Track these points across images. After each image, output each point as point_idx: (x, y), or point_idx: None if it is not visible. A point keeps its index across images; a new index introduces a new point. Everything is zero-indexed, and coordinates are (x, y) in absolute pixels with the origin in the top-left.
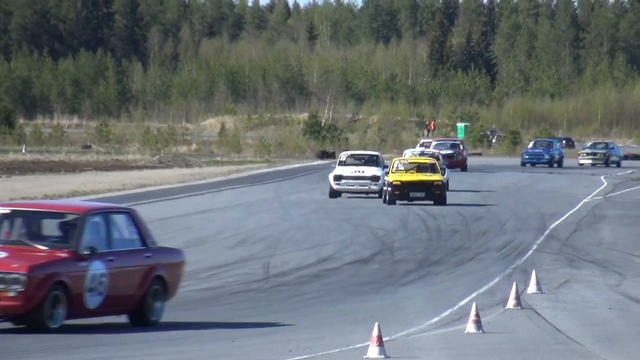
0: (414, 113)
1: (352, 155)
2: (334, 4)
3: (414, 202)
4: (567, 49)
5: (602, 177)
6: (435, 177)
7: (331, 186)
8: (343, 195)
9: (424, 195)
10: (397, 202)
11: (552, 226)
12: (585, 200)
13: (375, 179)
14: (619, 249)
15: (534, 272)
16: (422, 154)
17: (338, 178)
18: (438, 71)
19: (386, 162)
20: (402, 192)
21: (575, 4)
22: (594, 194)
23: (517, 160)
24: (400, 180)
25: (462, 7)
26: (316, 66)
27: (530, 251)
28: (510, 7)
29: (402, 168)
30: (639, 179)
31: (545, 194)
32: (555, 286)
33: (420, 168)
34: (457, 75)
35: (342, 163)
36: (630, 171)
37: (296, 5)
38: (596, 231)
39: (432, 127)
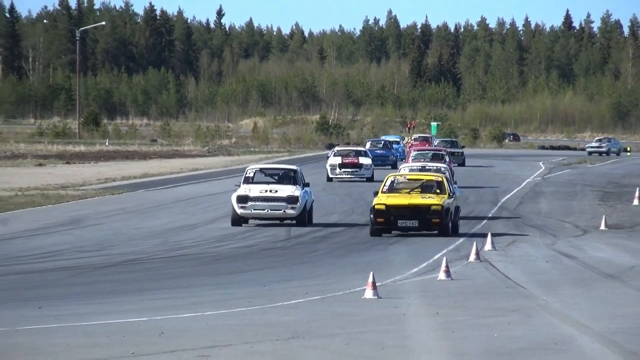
0: (399, 115)
1: (262, 170)
2: (339, 32)
3: (408, 233)
4: (514, 66)
5: (540, 163)
6: (434, 199)
7: (234, 210)
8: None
9: (417, 224)
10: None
11: (503, 200)
12: (528, 180)
13: (292, 200)
14: (553, 217)
15: (489, 234)
16: (423, 169)
17: (243, 200)
18: (417, 83)
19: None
20: (388, 220)
21: (521, 32)
22: (534, 175)
23: (477, 151)
24: (384, 204)
25: (435, 35)
26: (325, 80)
27: (486, 219)
28: (471, 35)
29: (399, 187)
30: (569, 164)
31: (498, 176)
32: (505, 245)
33: (425, 187)
34: (431, 87)
35: (248, 180)
36: (562, 158)
37: (310, 33)
38: (536, 204)
39: (413, 126)
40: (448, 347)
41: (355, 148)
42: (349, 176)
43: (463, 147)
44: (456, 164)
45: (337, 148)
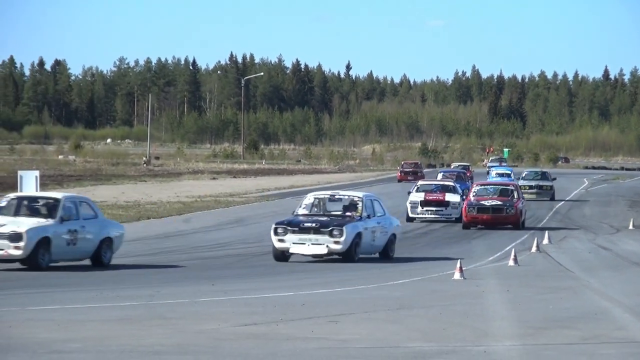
0: (480, 143)
1: (21, 199)
2: (436, 81)
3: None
4: (565, 107)
5: (584, 179)
6: None
7: None
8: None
9: None
10: None
11: (556, 206)
12: (575, 191)
13: (15, 238)
14: (594, 219)
15: (546, 232)
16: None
17: None
18: (493, 119)
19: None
20: None
21: (570, 82)
22: (580, 188)
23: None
24: None
25: (507, 83)
26: (425, 116)
27: (545, 220)
28: (534, 84)
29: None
30: (606, 180)
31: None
32: (558, 240)
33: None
34: (504, 122)
35: None
36: (600, 176)
37: (414, 82)
38: (582, 209)
39: (490, 150)
40: (516, 316)
41: (442, 182)
42: (434, 216)
43: (554, 179)
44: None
45: (420, 183)
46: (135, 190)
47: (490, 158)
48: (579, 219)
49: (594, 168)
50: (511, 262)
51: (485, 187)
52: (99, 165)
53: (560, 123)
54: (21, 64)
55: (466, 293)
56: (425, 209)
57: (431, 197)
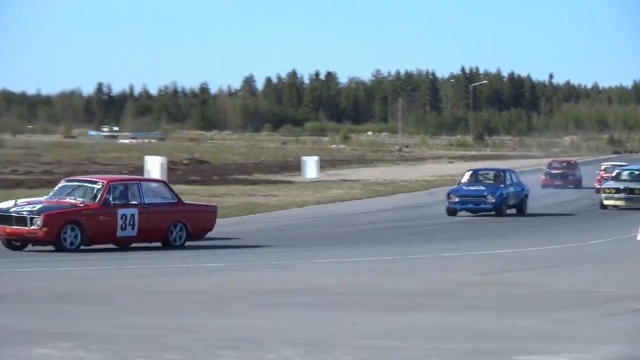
0: None
1: None
2: (619, 87)
3: None
4: None
5: None
6: None
7: None
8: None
9: None
10: None
11: None
12: None
13: None
14: None
15: None
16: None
17: None
18: None
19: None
20: None
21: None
22: None
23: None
24: None
25: None
26: (611, 115)
27: None
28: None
29: None
30: None
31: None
32: None
33: None
34: None
35: None
36: None
37: (602, 87)
38: None
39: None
40: None
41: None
42: None
43: None
44: None
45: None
46: (391, 171)
47: None
48: None
49: None
50: None
51: None
52: (362, 152)
53: None
54: (301, 74)
55: None
56: None
57: None
